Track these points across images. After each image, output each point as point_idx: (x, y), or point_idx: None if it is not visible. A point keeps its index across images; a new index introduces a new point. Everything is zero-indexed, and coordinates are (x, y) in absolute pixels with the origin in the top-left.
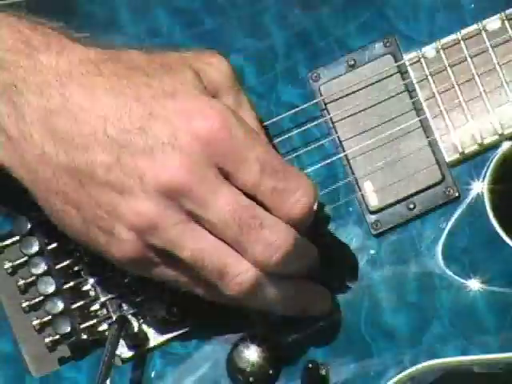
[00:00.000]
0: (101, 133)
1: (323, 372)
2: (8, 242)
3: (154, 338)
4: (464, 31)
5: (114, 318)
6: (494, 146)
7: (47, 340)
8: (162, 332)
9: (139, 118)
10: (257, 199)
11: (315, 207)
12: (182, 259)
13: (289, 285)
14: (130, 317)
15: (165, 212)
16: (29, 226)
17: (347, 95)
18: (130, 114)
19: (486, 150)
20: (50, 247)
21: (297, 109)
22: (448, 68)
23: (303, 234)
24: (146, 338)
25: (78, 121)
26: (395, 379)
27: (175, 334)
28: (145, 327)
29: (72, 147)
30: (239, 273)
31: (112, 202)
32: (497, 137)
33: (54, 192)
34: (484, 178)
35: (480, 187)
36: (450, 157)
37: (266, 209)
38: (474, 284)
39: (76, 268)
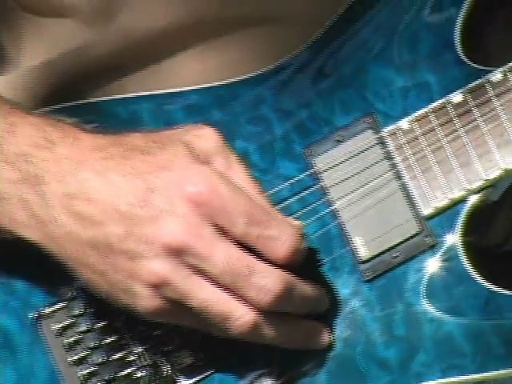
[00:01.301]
0: (112, 210)
1: None
2: (55, 307)
3: (183, 382)
4: (432, 105)
5: (148, 366)
6: (463, 199)
7: None
8: (189, 376)
9: (141, 192)
10: (249, 246)
11: (302, 247)
12: (194, 308)
13: (286, 323)
14: (161, 364)
15: (173, 269)
16: (71, 293)
17: (336, 165)
18: (134, 190)
19: (456, 203)
20: (90, 310)
21: (294, 180)
22: (420, 137)
23: (296, 272)
24: (175, 382)
25: (93, 201)
26: None
27: (200, 377)
28: (174, 372)
29: (90, 224)
30: (239, 316)
31: (128, 266)
32: (464, 192)
33: (82, 264)
34: (455, 227)
35: (453, 236)
36: (425, 211)
37: (259, 254)
38: (451, 317)
39: (113, 325)
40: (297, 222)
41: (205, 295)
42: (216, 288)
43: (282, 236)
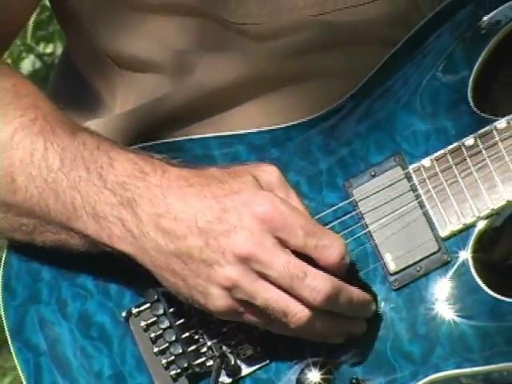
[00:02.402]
0: (193, 226)
1: None
2: (142, 308)
3: (245, 369)
4: (449, 147)
5: (217, 356)
6: (473, 224)
7: (172, 373)
8: (250, 365)
9: (217, 211)
10: (306, 254)
11: (347, 258)
12: (258, 306)
13: (334, 320)
14: (228, 355)
15: (242, 273)
16: (155, 296)
17: (371, 195)
18: (211, 210)
19: (468, 227)
20: (170, 310)
21: (336, 207)
22: (439, 173)
23: (342, 278)
24: (239, 369)
25: (178, 219)
26: None
27: (259, 365)
28: (238, 361)
29: (175, 238)
30: (297, 312)
31: (206, 272)
32: (475, 218)
33: (167, 271)
34: (467, 246)
35: (465, 253)
36: (443, 233)
37: (313, 261)
38: (464, 320)
39: (189, 323)
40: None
41: (268, 295)
42: (277, 289)
43: (333, 245)
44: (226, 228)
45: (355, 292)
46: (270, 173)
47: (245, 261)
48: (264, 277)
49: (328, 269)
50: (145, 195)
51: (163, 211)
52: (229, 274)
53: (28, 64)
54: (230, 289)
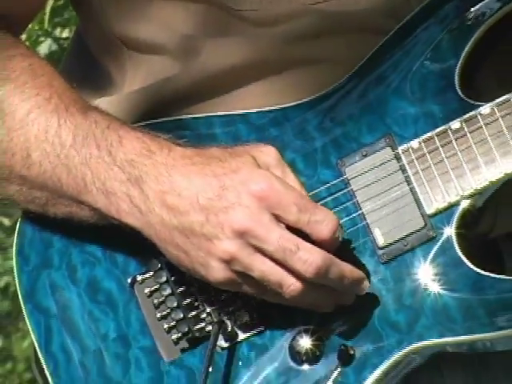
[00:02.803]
0: (195, 202)
1: (351, 352)
2: (146, 275)
3: (241, 335)
4: (436, 130)
5: (215, 322)
6: (457, 202)
7: (173, 337)
8: (246, 331)
9: (217, 189)
10: (299, 229)
11: (338, 233)
12: (254, 277)
13: (324, 291)
14: (225, 321)
15: (240, 247)
16: (159, 265)
17: (362, 174)
18: (212, 187)
19: (452, 205)
20: (172, 278)
21: (329, 184)
22: (427, 154)
23: (333, 253)
24: (236, 335)
25: (181, 196)
26: (396, 356)
27: (254, 331)
28: (235, 327)
29: (178, 213)
30: (291, 283)
31: (207, 246)
32: (459, 197)
33: (171, 244)
34: (451, 223)
35: (449, 230)
36: (429, 210)
37: (306, 235)
38: (447, 293)
39: (190, 290)
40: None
41: (264, 267)
42: (272, 263)
43: (325, 220)
44: (225, 205)
45: (347, 267)
46: (267, 153)
47: (242, 235)
48: (260, 250)
49: (321, 243)
50: (151, 173)
51: (168, 188)
52: (227, 248)
53: (45, 47)
54: (228, 261)
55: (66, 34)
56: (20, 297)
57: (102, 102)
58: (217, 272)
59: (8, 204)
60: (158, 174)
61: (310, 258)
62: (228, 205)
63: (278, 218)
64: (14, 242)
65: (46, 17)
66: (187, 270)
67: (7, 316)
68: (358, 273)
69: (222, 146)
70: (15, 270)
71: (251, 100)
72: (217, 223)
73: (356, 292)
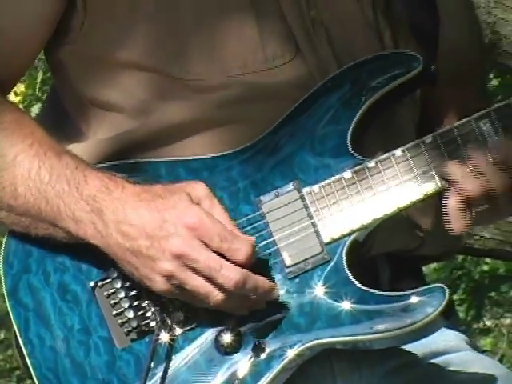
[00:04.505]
0: (143, 231)
1: (263, 346)
2: (105, 281)
3: (178, 330)
4: (333, 178)
5: (158, 320)
6: (348, 234)
7: (125, 330)
8: (182, 327)
9: (159, 221)
10: (222, 253)
11: (252, 257)
12: (188, 289)
13: (242, 298)
14: (166, 318)
15: (176, 267)
16: (115, 273)
17: (275, 209)
18: (155, 220)
19: (344, 236)
20: (126, 284)
21: (249, 216)
22: (325, 196)
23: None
24: (174, 330)
25: (132, 226)
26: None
27: (188, 327)
28: (173, 324)
29: (130, 239)
30: (216, 294)
31: (151, 264)
32: (349, 230)
33: (124, 260)
34: (343, 250)
35: (341, 255)
36: (325, 239)
37: (227, 258)
38: (337, 303)
39: (139, 294)
40: (252, 238)
41: (195, 282)
42: (201, 278)
43: (241, 248)
44: (165, 234)
45: (260, 280)
46: (198, 188)
47: (178, 258)
48: (192, 269)
49: (239, 264)
50: (109, 207)
51: (122, 219)
52: (167, 267)
53: (36, 108)
54: (168, 277)
55: None
56: (5, 295)
57: (73, 147)
58: (159, 284)
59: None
60: (115, 207)
61: (230, 275)
62: (167, 234)
63: (206, 245)
64: (2, 252)
65: (37, 85)
66: (137, 281)
67: (7, 314)
68: (269, 284)
69: (164, 184)
70: (2, 274)
71: (190, 149)
72: (159, 248)
73: (268, 299)
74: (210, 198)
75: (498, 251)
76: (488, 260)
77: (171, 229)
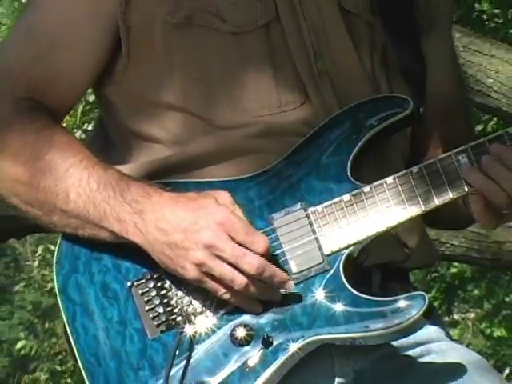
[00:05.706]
0: (179, 227)
1: (271, 340)
2: (140, 282)
3: (202, 325)
4: (334, 200)
5: (184, 315)
6: (346, 247)
7: (155, 323)
8: (205, 322)
9: (193, 218)
10: (244, 245)
11: (269, 250)
12: (215, 276)
13: (262, 287)
14: (190, 315)
15: (207, 256)
16: (149, 275)
17: (285, 225)
18: (189, 217)
19: (342, 249)
20: (158, 285)
21: (262, 230)
22: (327, 215)
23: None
24: (197, 325)
25: (169, 222)
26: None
27: (210, 324)
28: (197, 319)
29: (166, 234)
30: (240, 279)
31: (184, 254)
32: (347, 244)
33: (161, 253)
34: (341, 261)
35: (339, 265)
36: (326, 252)
37: (249, 250)
38: (335, 305)
39: (169, 294)
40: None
41: (222, 269)
42: (228, 266)
43: (260, 241)
44: (198, 228)
45: (276, 269)
46: (224, 195)
47: (208, 248)
48: (220, 258)
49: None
50: (149, 208)
51: (160, 217)
52: (198, 256)
53: (77, 135)
54: (199, 265)
55: (90, 127)
56: (56, 291)
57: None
58: (191, 272)
59: (50, 232)
60: (154, 208)
61: (252, 262)
62: (199, 228)
63: (232, 238)
64: (55, 254)
65: (78, 116)
66: (171, 271)
67: (51, 308)
68: (283, 274)
69: (195, 192)
70: (54, 273)
71: (215, 173)
72: (192, 240)
73: (282, 288)
74: (233, 204)
75: (466, 257)
76: (457, 264)
77: (203, 224)
